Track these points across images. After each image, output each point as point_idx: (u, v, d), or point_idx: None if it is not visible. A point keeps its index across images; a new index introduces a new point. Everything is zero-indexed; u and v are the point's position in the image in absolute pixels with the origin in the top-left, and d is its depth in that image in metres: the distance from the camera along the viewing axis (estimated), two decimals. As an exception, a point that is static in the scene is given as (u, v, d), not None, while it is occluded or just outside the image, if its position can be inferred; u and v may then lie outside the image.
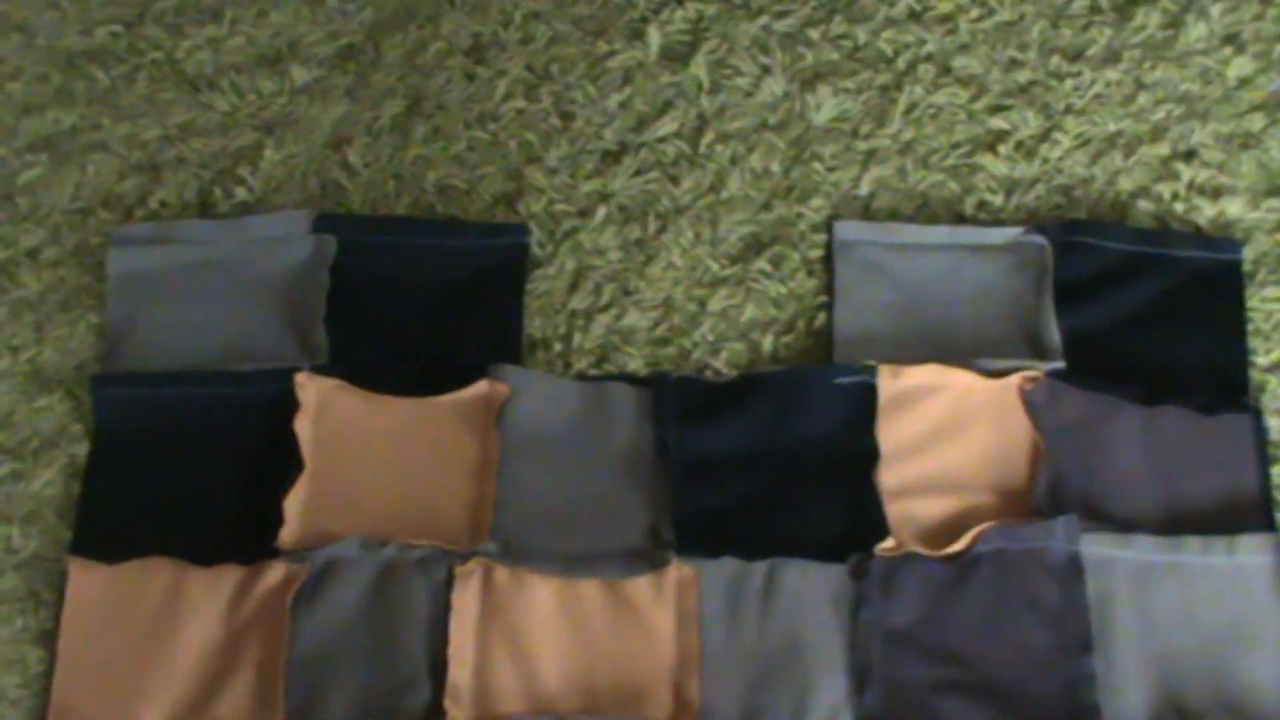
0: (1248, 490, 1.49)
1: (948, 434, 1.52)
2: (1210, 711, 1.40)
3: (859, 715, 1.41)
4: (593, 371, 1.57)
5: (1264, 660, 1.42)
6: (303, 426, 1.50)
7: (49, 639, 1.44)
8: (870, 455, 1.50)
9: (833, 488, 1.50)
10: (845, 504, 1.49)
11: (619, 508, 1.49)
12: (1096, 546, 1.46)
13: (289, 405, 1.52)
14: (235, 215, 1.63)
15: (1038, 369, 1.53)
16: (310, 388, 1.52)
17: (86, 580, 1.45)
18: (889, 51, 1.68)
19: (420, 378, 1.54)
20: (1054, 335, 1.54)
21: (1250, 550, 1.45)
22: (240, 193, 1.63)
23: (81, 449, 1.52)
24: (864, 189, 1.63)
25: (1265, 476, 1.50)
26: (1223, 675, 1.42)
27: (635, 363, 1.57)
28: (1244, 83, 1.65)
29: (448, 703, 1.39)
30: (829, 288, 1.60)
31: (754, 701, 1.41)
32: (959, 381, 1.53)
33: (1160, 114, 1.64)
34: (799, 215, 1.62)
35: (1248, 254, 1.60)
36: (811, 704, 1.41)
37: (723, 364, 1.58)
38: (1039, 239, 1.59)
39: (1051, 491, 1.48)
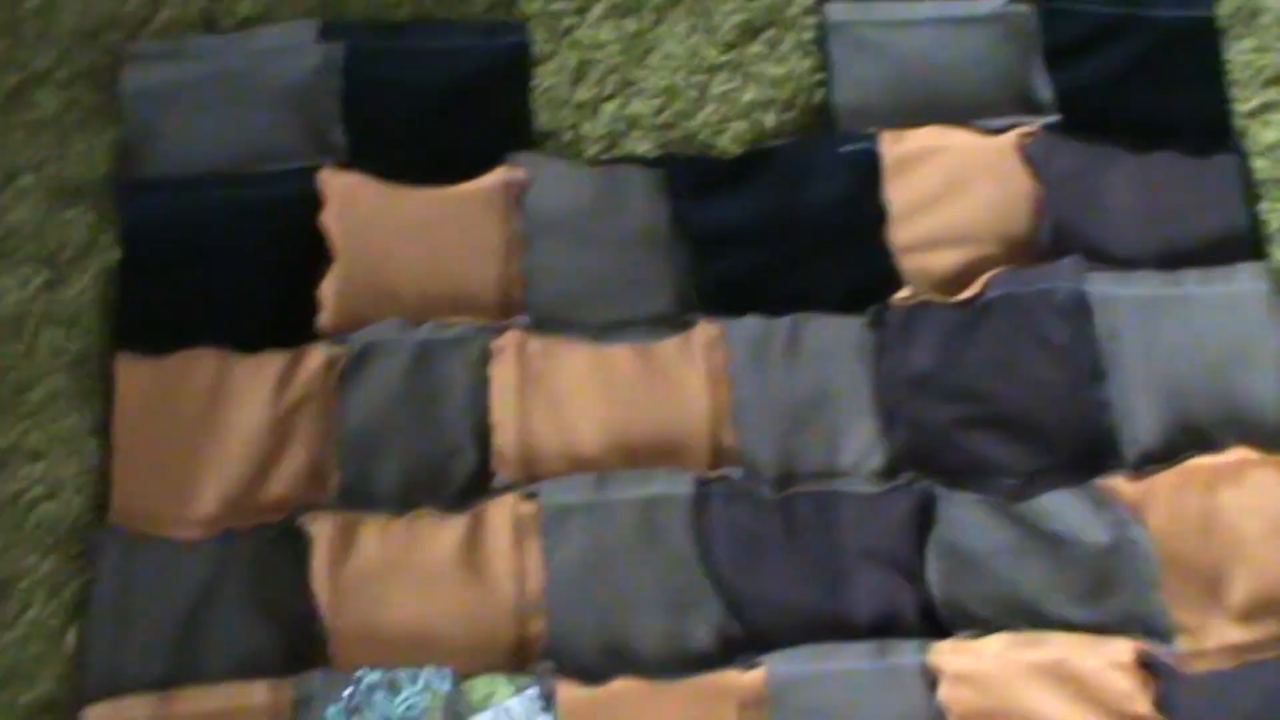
0: (1239, 226, 1.57)
1: (952, 191, 1.59)
2: (1217, 428, 1.47)
3: (889, 454, 1.46)
4: (604, 157, 1.61)
5: (1263, 378, 1.49)
6: (330, 220, 1.55)
7: (104, 431, 1.47)
8: (879, 215, 1.56)
9: (846, 248, 1.56)
10: (859, 262, 1.55)
11: (642, 279, 1.54)
12: (1101, 285, 1.52)
13: (313, 202, 1.55)
14: (241, 30, 1.64)
15: (1034, 124, 1.58)
16: (334, 183, 1.56)
17: (134, 374, 1.49)
18: None
19: (438, 171, 1.58)
20: (1046, 92, 1.61)
21: (1246, 278, 1.53)
22: (243, 9, 1.66)
23: (113, 256, 1.55)
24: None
25: (1255, 214, 1.57)
26: (1226, 395, 1.50)
27: (643, 147, 1.62)
28: None
29: (495, 466, 1.44)
30: (825, 66, 1.64)
31: (788, 447, 1.47)
32: (959, 141, 1.59)
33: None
34: (789, 0, 1.67)
35: (1221, 9, 1.65)
36: (843, 446, 1.47)
37: (728, 142, 1.62)
38: (1022, 6, 1.64)
39: (1054, 236, 1.54)
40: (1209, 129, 1.61)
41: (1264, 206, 1.58)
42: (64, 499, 1.44)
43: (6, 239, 1.55)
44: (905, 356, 1.50)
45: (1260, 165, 1.60)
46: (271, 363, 1.49)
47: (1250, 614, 1.39)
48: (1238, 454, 1.45)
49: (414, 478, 1.45)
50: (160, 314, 1.52)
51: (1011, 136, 1.59)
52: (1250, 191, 1.59)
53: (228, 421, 1.47)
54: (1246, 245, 1.56)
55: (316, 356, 1.49)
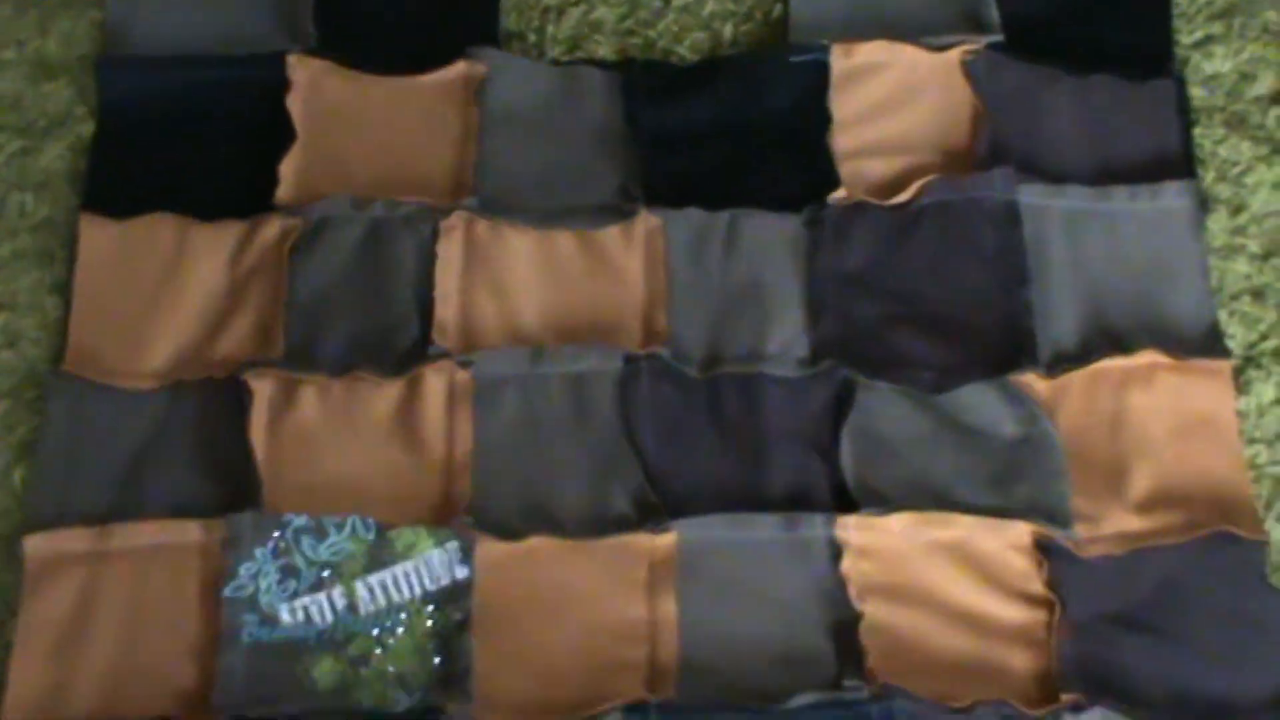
0: (1172, 148, 1.62)
1: (896, 104, 1.65)
2: (1132, 334, 1.52)
3: (814, 343, 1.52)
4: (565, 59, 1.67)
5: (1181, 290, 1.55)
6: (294, 103, 1.62)
7: (64, 289, 1.55)
8: (823, 122, 1.61)
9: (789, 152, 1.62)
10: (801, 165, 1.61)
11: (591, 172, 1.61)
12: (1032, 196, 1.58)
13: (281, 85, 1.62)
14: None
15: (978, 42, 1.64)
16: (300, 68, 1.63)
17: (98, 235, 1.57)
18: None
19: (402, 63, 1.64)
20: (993, 13, 1.66)
21: (1172, 195, 1.58)
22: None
23: (87, 128, 1.63)
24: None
25: (1188, 137, 1.62)
26: (1145, 304, 1.55)
27: (604, 50, 1.68)
28: None
29: (435, 336, 1.51)
30: (782, -18, 1.71)
31: (718, 333, 1.53)
32: (907, 56, 1.65)
33: None
34: (749, -82, 1.73)
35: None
36: (770, 334, 1.53)
37: (687, 50, 1.69)
38: (973, -68, 1.70)
39: (991, 150, 1.60)
40: (1151, 57, 1.66)
41: (1198, 130, 1.61)
42: (21, 349, 1.52)
43: (-14, 109, 1.62)
44: (838, 254, 1.55)
45: (1198, 94, 1.65)
46: (229, 230, 1.56)
47: (1148, 506, 1.44)
48: (1149, 358, 1.50)
49: (357, 345, 1.52)
50: (127, 182, 1.59)
51: (955, 53, 1.65)
52: (1185, 118, 1.62)
53: (183, 283, 1.54)
54: (1177, 167, 1.61)
55: (272, 227, 1.56)
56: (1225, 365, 1.50)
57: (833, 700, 1.34)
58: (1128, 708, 1.34)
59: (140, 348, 1.52)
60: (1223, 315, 1.54)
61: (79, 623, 1.38)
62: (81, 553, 1.40)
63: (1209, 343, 1.51)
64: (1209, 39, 1.68)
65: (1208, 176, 1.61)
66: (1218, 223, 1.58)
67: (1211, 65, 1.67)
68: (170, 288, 1.54)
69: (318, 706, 1.34)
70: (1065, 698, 1.34)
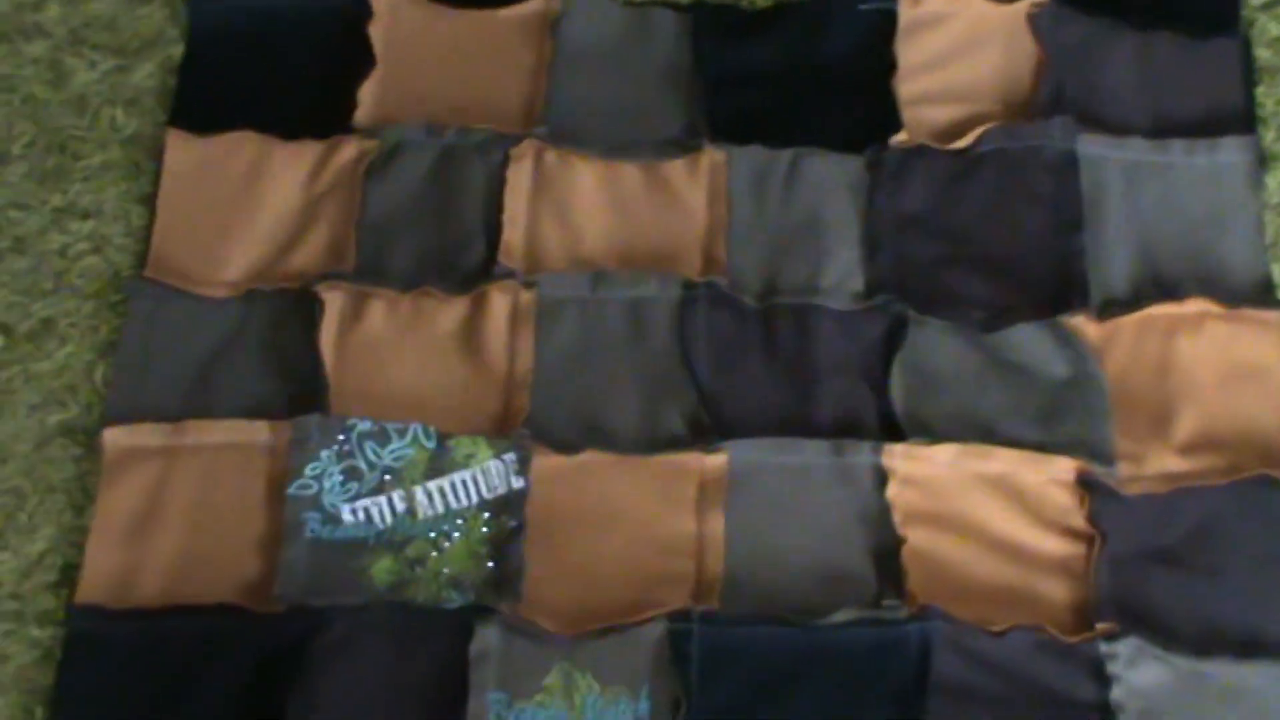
0: (1232, 104, 1.65)
1: (961, 52, 1.68)
2: (1185, 283, 1.55)
3: (868, 279, 1.56)
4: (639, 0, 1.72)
5: (1234, 242, 1.57)
6: (375, 31, 1.68)
7: (149, 200, 1.61)
8: (889, 68, 1.65)
9: (853, 95, 1.66)
10: (865, 107, 1.64)
11: (658, 108, 1.66)
12: (1091, 146, 1.61)
13: (363, 13, 1.68)
14: None
15: (1044, -4, 1.67)
16: (383, -2, 1.69)
17: (182, 149, 1.63)
18: None
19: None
20: (1060, -33, 1.69)
21: (1230, 150, 1.61)
22: None
23: (178, 50, 1.70)
24: None
25: (1250, 95, 1.65)
26: (1198, 255, 1.57)
27: (676, -6, 1.73)
28: None
29: (501, 257, 1.55)
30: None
31: (775, 266, 1.57)
32: (974, 8, 1.69)
33: None
34: None
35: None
36: (826, 269, 1.57)
37: (759, -4, 1.73)
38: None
39: (1052, 101, 1.63)
40: (1217, 16, 1.68)
41: (1261, 90, 1.64)
42: (107, 255, 1.59)
43: (84, 27, 1.70)
44: (896, 196, 1.59)
45: (1263, 55, 1.67)
46: (308, 150, 1.62)
47: (1191, 449, 1.47)
48: (1199, 305, 1.52)
49: (425, 263, 1.57)
50: (212, 100, 1.65)
51: (1022, 5, 1.68)
52: (1249, 76, 1.64)
53: (261, 198, 1.60)
54: (1237, 123, 1.64)
55: (349, 149, 1.62)
56: (1276, 316, 1.52)
57: (872, 618, 1.37)
58: (1161, 640, 1.36)
59: (218, 259, 1.57)
60: (1276, 270, 1.55)
61: (151, 512, 1.44)
62: (156, 447, 1.46)
63: (1260, 294, 1.54)
64: (1277, 2, 1.69)
65: (1268, 135, 1.63)
66: (1275, 179, 1.60)
67: (1278, 28, 1.67)
68: (249, 203, 1.60)
69: (375, 601, 1.38)
70: (1100, 627, 1.37)
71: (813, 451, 1.45)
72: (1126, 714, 1.34)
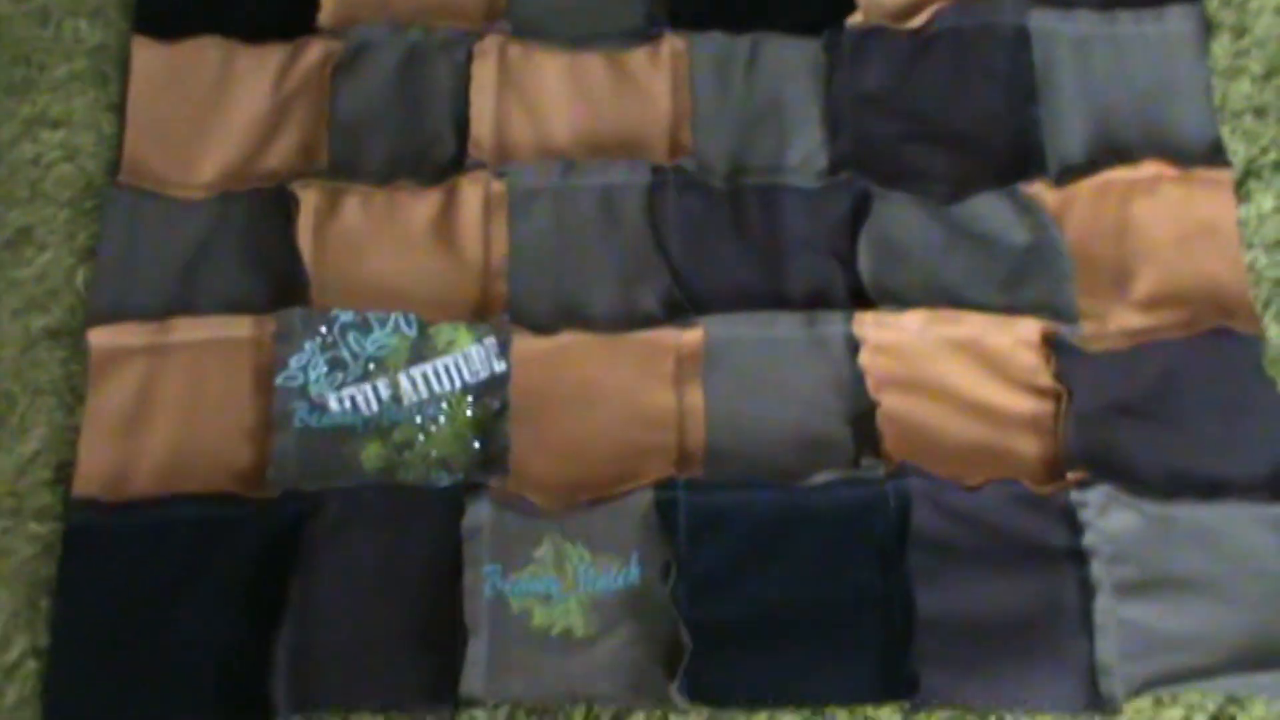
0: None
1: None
2: (1139, 147, 1.59)
3: (832, 158, 1.60)
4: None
5: (1183, 106, 1.62)
6: (337, -68, 1.69)
7: (118, 109, 1.62)
8: (841, -49, 1.68)
9: (809, -20, 1.68)
10: (820, -9, 1.67)
11: (618, -1, 1.68)
12: (1041, 20, 1.65)
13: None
14: None
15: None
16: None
17: (148, 56, 1.65)
18: None
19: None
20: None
21: (1176, 19, 1.65)
22: None
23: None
24: None
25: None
26: (1149, 121, 1.62)
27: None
28: None
29: (471, 150, 1.58)
30: None
31: (740, 148, 1.61)
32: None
33: None
34: None
35: None
36: (790, 149, 1.60)
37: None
38: None
39: (1001, -24, 1.67)
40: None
41: (1201, -41, 1.68)
42: (79, 163, 1.60)
43: (40, -57, 1.70)
44: (855, 75, 1.63)
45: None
46: (273, 53, 1.64)
47: (1151, 305, 1.52)
48: (1153, 169, 1.57)
49: (396, 160, 1.60)
50: (175, 7, 1.67)
51: (965, -113, 1.71)
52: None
53: (230, 102, 1.62)
54: (1182, -9, 1.67)
55: (315, 50, 1.64)
56: (1226, 175, 1.57)
57: (851, 478, 1.41)
58: (1130, 487, 1.41)
59: (190, 162, 1.60)
60: (1225, 131, 1.61)
61: (140, 408, 1.46)
62: (141, 346, 1.49)
63: (1211, 154, 1.59)
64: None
65: (1211, 4, 1.67)
66: (1221, 46, 1.65)
67: (1216, -100, 1.72)
68: (218, 106, 1.62)
69: (366, 483, 1.41)
70: (1070, 476, 1.41)
71: (786, 324, 1.49)
72: (1099, 557, 1.39)
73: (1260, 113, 1.62)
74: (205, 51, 1.64)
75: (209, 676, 1.37)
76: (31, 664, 1.38)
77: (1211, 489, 1.43)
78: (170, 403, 1.47)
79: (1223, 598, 1.39)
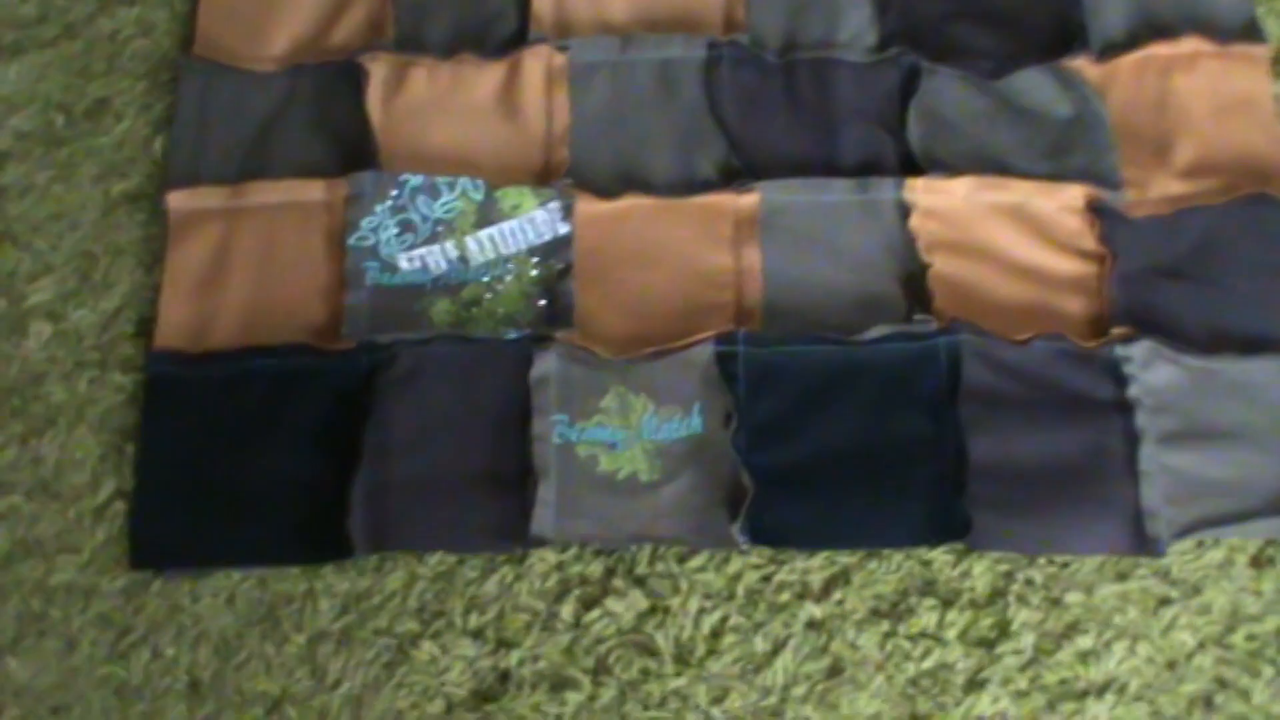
0: None
1: None
2: (1178, 24, 1.65)
3: (881, 34, 1.65)
4: None
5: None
6: None
7: (188, -14, 1.68)
8: None
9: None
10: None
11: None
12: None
13: None
14: None
15: None
16: None
17: (220, -64, 1.69)
18: None
19: None
20: None
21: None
22: None
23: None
24: None
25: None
26: (1189, 1, 1.67)
27: None
28: None
29: (532, 26, 1.64)
30: None
31: (792, 25, 1.67)
32: None
33: None
34: None
35: None
36: (841, 25, 1.66)
37: None
38: None
39: None
40: None
41: None
42: (154, 39, 1.66)
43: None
44: (909, -54, 1.68)
45: None
46: (341, -65, 1.69)
47: (1190, 174, 1.57)
48: (1193, 44, 1.62)
49: (460, 34, 1.65)
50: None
51: None
52: None
53: (298, -22, 1.67)
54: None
55: (381, -70, 1.69)
56: (1262, 50, 1.62)
57: (904, 332, 1.47)
58: (1172, 343, 1.47)
59: (261, 37, 1.65)
60: (1260, 11, 1.65)
61: (218, 267, 1.52)
62: (217, 208, 1.55)
63: (1247, 31, 1.64)
64: None
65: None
66: (1258, -72, 1.69)
67: None
68: (286, -18, 1.66)
69: (436, 335, 1.47)
70: (1115, 332, 1.47)
71: (839, 189, 1.55)
72: (1143, 409, 1.44)
73: (1295, -7, 1.66)
74: (275, -70, 1.68)
75: (288, 516, 1.42)
76: (119, 505, 1.43)
77: (1250, 345, 1.48)
78: (246, 262, 1.53)
79: (1261, 446, 1.44)
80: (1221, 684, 1.36)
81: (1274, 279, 1.52)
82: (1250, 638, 1.37)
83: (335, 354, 1.47)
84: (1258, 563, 1.40)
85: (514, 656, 1.37)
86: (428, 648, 1.38)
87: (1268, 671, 1.35)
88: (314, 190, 1.55)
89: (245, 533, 1.42)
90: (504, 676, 1.37)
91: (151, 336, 1.50)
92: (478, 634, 1.38)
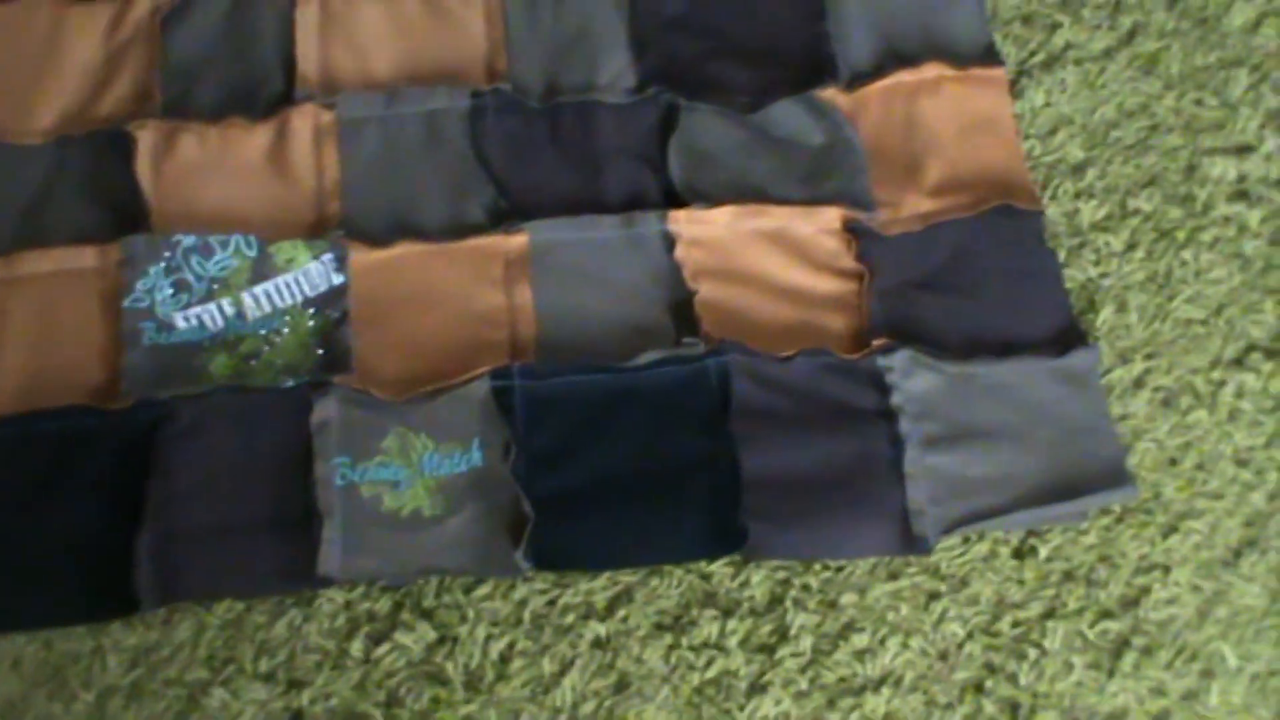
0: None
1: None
2: (920, 53, 1.73)
3: (640, 76, 1.71)
4: None
5: (959, 13, 1.76)
6: (157, -106, 1.78)
7: (-48, 64, 1.69)
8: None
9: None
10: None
11: (428, -58, 1.79)
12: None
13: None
14: None
15: None
16: None
17: (-22, 13, 1.71)
18: None
19: None
20: None
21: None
22: None
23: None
24: None
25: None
26: (930, 29, 1.76)
27: None
28: None
29: (298, 86, 1.68)
30: None
31: (553, 71, 1.72)
32: None
33: None
34: None
35: None
36: (601, 69, 1.72)
37: None
38: None
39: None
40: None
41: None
42: (-80, 118, 1.66)
43: None
44: (658, 1, 1.74)
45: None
46: (103, 8, 1.72)
47: (939, 191, 1.65)
48: (936, 70, 1.71)
49: (228, 99, 1.68)
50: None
51: None
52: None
53: (64, 55, 1.70)
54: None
55: (143, 4, 1.73)
56: (1000, 73, 1.71)
57: (674, 356, 1.52)
58: (931, 351, 1.53)
59: (27, 111, 1.67)
60: (997, 37, 1.74)
61: (-7, 336, 1.53)
62: (-10, 279, 1.55)
63: (986, 56, 1.72)
64: None
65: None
66: (988, -43, 1.79)
67: None
68: (51, 60, 1.70)
69: (216, 388, 1.49)
70: (876, 343, 1.53)
71: (606, 225, 1.60)
72: (906, 415, 1.51)
73: (1028, 20, 1.76)
74: (35, 11, 1.72)
75: (74, 576, 1.42)
76: (-100, 578, 1.42)
77: (1004, 348, 1.55)
78: (21, 331, 1.54)
79: (1019, 443, 1.51)
80: (990, 670, 1.41)
81: (1022, 284, 1.59)
82: (1015, 624, 1.43)
83: (114, 413, 1.47)
84: (1019, 553, 1.46)
85: (305, 696, 1.38)
86: (218, 695, 1.38)
87: (1033, 654, 1.41)
88: (87, 257, 1.56)
89: (31, 596, 1.42)
90: (296, 716, 1.38)
91: (-72, 408, 1.48)
92: (269, 677, 1.39)
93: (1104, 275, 1.60)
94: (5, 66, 1.70)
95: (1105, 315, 1.57)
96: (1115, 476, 1.49)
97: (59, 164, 1.63)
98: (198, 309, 1.54)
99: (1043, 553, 1.46)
